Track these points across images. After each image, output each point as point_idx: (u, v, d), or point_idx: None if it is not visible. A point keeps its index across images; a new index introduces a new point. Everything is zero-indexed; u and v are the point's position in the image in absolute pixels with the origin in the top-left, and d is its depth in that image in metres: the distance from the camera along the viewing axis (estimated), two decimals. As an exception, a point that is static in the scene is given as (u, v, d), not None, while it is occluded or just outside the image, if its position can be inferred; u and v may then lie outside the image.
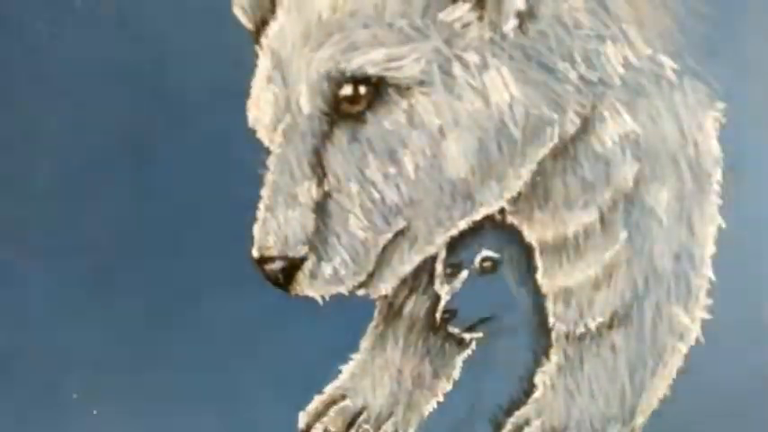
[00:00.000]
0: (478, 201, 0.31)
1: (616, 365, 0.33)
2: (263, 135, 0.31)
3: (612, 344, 0.33)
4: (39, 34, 0.30)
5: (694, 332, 0.33)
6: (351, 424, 0.33)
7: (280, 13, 0.30)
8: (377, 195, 0.30)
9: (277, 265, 0.30)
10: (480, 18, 0.29)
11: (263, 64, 0.30)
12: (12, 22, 0.30)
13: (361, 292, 0.32)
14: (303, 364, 0.32)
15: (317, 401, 0.32)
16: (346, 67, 0.29)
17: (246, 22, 0.30)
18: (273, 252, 0.30)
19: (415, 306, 0.33)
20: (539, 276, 0.33)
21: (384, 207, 0.30)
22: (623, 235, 0.32)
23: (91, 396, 0.31)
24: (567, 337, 0.33)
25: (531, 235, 0.33)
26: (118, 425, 0.31)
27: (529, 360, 0.33)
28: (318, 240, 0.30)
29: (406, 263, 0.31)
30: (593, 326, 0.33)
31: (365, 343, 0.33)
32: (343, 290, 0.31)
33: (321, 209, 0.30)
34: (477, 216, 0.31)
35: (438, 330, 0.33)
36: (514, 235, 0.33)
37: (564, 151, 0.31)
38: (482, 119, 0.30)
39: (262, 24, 0.30)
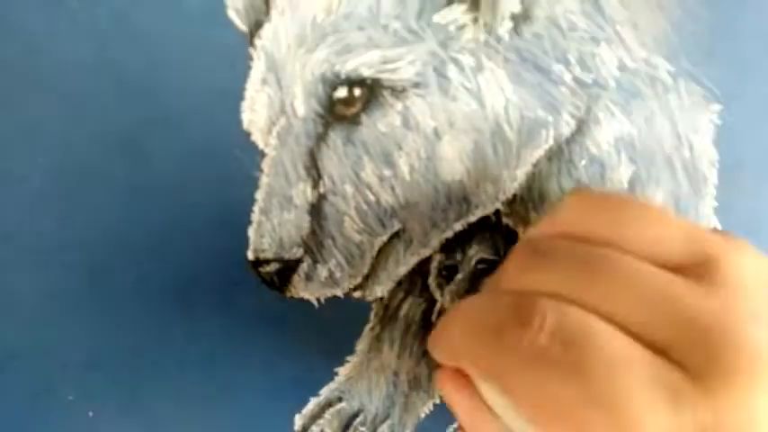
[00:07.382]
0: (474, 203, 0.31)
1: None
2: (257, 137, 0.31)
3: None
4: (35, 34, 0.30)
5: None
6: (347, 426, 0.33)
7: (273, 14, 0.30)
8: (372, 197, 0.30)
9: (272, 267, 0.30)
10: (475, 20, 0.29)
11: (258, 66, 0.30)
12: (9, 22, 0.30)
13: (356, 295, 0.32)
14: (299, 366, 0.32)
15: (312, 404, 0.32)
16: (341, 69, 0.29)
17: (241, 24, 0.30)
18: (268, 254, 0.30)
19: (410, 308, 0.33)
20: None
21: (379, 209, 0.30)
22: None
23: (87, 397, 0.31)
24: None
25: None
26: (114, 426, 0.31)
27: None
28: (313, 242, 0.30)
29: (402, 265, 0.32)
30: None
31: (361, 345, 0.33)
32: (339, 292, 0.32)
33: (316, 211, 0.30)
34: (473, 218, 0.31)
35: (434, 332, 0.33)
36: (510, 237, 0.33)
37: (559, 153, 0.31)
38: (477, 121, 0.30)
39: (256, 26, 0.30)
